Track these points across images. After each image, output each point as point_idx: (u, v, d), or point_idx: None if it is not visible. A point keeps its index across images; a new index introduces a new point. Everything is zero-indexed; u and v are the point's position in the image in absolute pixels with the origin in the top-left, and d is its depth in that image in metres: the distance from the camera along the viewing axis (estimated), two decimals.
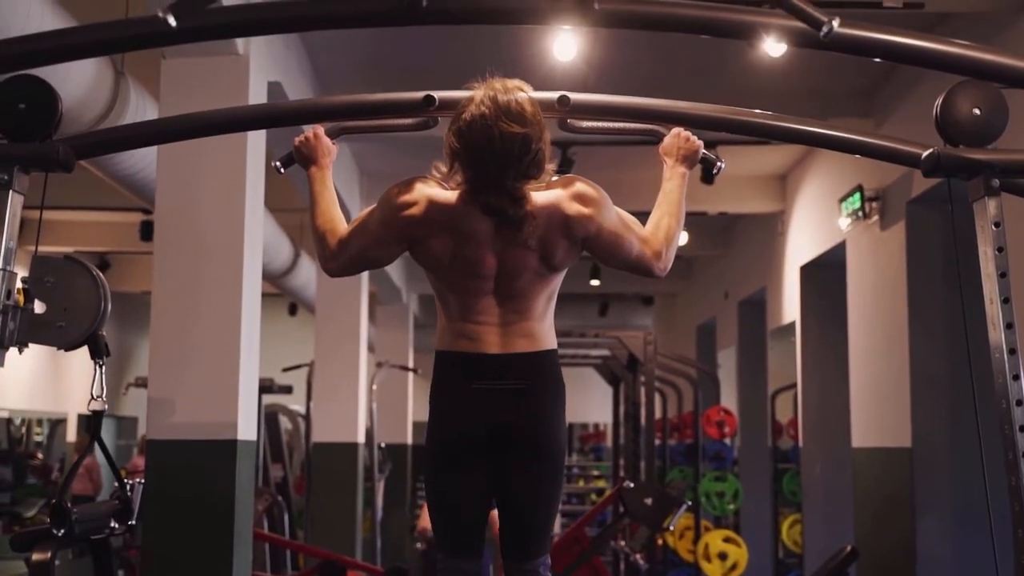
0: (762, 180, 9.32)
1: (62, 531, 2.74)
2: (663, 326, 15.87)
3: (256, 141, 4.71)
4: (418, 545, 11.51)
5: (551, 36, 5.48)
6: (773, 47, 5.32)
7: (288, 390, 9.50)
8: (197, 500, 4.43)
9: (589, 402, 17.44)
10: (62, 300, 2.73)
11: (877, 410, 7.06)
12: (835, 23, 2.22)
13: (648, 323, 16.35)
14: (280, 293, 11.51)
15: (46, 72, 2.61)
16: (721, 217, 10.47)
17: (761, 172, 9.22)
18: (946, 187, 2.58)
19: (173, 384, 4.48)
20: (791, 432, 9.48)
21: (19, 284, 2.60)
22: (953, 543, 6.22)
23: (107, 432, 15.15)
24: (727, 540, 8.43)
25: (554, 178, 2.76)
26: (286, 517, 8.23)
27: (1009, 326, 2.41)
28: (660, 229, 2.85)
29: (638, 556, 7.03)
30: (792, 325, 9.11)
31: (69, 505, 2.75)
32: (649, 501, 6.42)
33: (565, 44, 5.49)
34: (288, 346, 12.41)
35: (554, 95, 2.68)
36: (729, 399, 10.90)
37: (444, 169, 2.72)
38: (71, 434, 14.74)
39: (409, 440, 12.40)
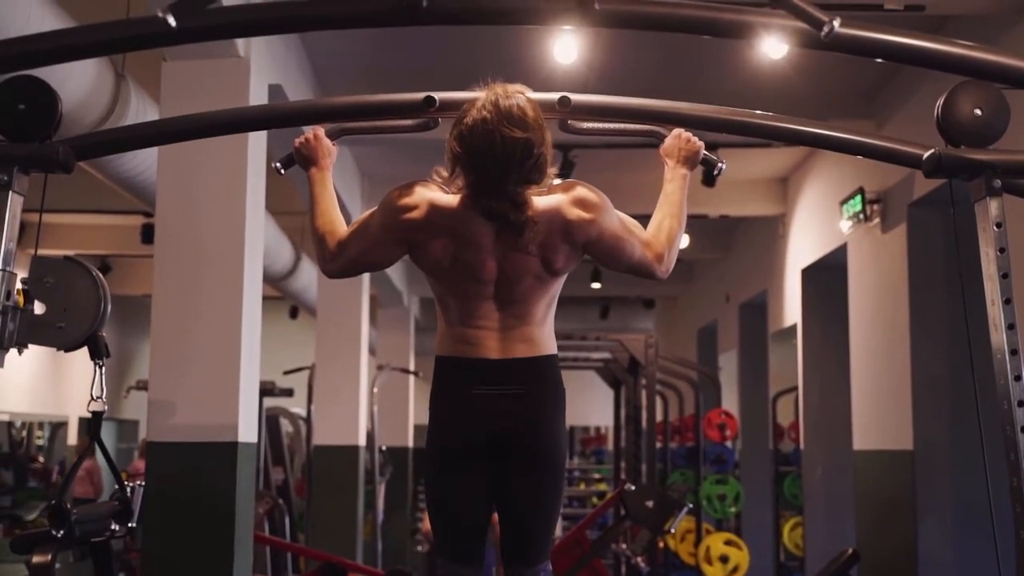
0: (763, 183, 9.32)
1: (61, 532, 2.73)
2: (664, 329, 15.86)
3: (257, 143, 4.71)
4: (419, 548, 11.55)
5: (552, 38, 5.48)
6: (774, 48, 5.34)
7: (289, 393, 9.49)
8: (198, 502, 4.43)
9: (590, 405, 17.43)
10: (62, 301, 2.72)
11: (878, 413, 7.05)
12: (836, 23, 2.22)
13: (649, 326, 16.34)
14: (281, 296, 11.51)
15: (46, 74, 2.60)
16: (722, 220, 10.46)
17: (762, 175, 9.22)
18: (947, 189, 2.57)
19: (174, 386, 4.48)
20: (792, 435, 9.48)
21: (19, 285, 2.59)
22: (955, 545, 6.22)
23: (108, 435, 15.16)
24: (728, 543, 8.43)
25: (555, 182, 2.75)
26: (287, 520, 8.22)
27: (1011, 327, 2.40)
28: (662, 231, 2.84)
29: (639, 559, 7.02)
30: (793, 328, 9.10)
31: (68, 506, 2.74)
32: (650, 504, 6.42)
33: (566, 46, 5.49)
34: (289, 349, 12.43)
35: (555, 96, 2.68)
36: (730, 402, 10.90)
37: (445, 173, 2.71)
38: (72, 437, 14.74)
39: (410, 443, 12.39)
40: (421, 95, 2.64)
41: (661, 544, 8.07)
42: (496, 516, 2.83)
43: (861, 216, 7.08)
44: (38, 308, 2.69)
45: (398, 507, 11.52)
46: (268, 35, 4.56)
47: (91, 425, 2.95)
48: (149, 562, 4.48)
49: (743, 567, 8.28)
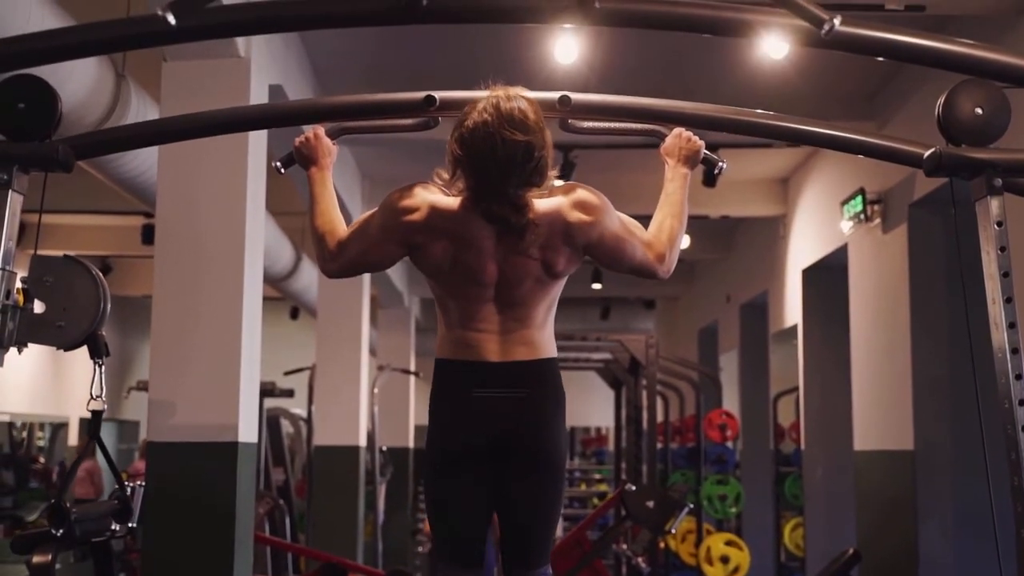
0: (764, 183, 9.32)
1: (61, 531, 2.72)
2: (665, 329, 15.86)
3: (257, 144, 4.71)
4: (419, 548, 11.55)
5: (553, 38, 5.47)
6: (775, 48, 5.34)
7: (290, 394, 9.49)
8: (198, 502, 4.42)
9: (591, 406, 17.42)
10: (61, 300, 2.72)
11: (879, 413, 7.05)
12: (836, 21, 2.21)
13: (650, 326, 16.33)
14: (282, 297, 11.50)
15: (47, 75, 2.60)
16: (723, 221, 10.46)
17: (763, 175, 9.22)
18: (948, 190, 2.57)
19: (174, 386, 4.48)
20: (793, 435, 9.48)
21: (19, 284, 2.59)
22: (955, 546, 6.21)
23: (108, 436, 15.16)
24: (729, 543, 8.43)
25: (557, 182, 2.75)
26: (288, 521, 8.21)
27: (1012, 326, 2.40)
28: (663, 231, 2.84)
29: (640, 559, 7.02)
30: (794, 328, 9.10)
31: (68, 505, 2.74)
32: (651, 504, 6.42)
33: (567, 46, 5.49)
34: (290, 350, 12.42)
35: (555, 95, 2.68)
36: (731, 402, 10.89)
37: (446, 176, 2.71)
38: (73, 438, 14.73)
39: (410, 444, 12.39)
40: (421, 94, 2.64)
41: (662, 544, 8.06)
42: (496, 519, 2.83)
43: (862, 216, 7.08)
44: (38, 307, 2.69)
45: (399, 507, 11.51)
46: (268, 34, 4.56)
47: (91, 424, 2.95)
48: (149, 562, 4.47)
49: (744, 567, 8.28)
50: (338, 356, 8.65)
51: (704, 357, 13.14)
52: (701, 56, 6.25)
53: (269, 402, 9.05)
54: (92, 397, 2.89)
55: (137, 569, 6.78)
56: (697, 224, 10.09)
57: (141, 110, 5.17)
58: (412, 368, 12.48)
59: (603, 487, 14.48)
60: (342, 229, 2.79)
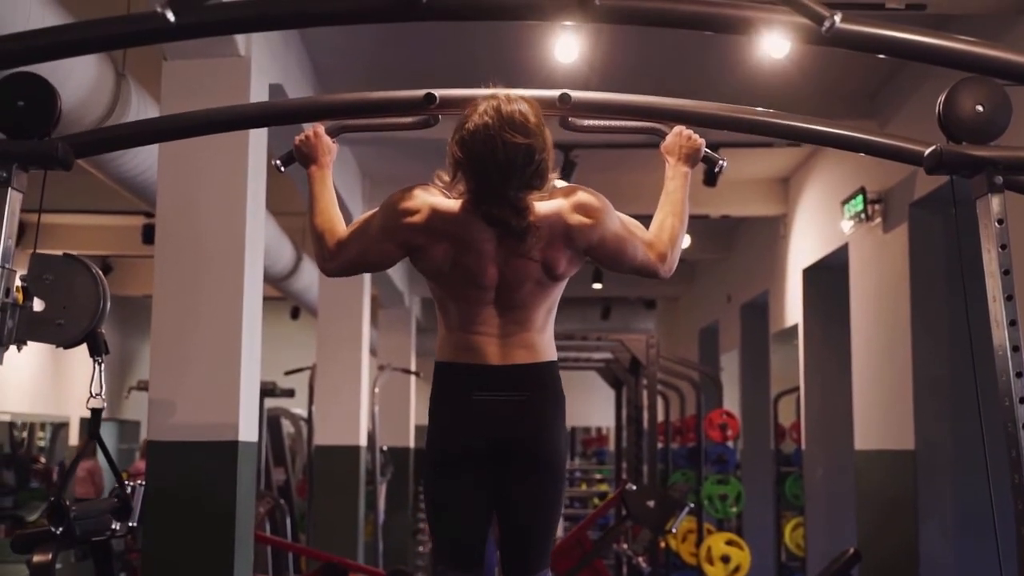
0: (764, 183, 9.32)
1: (60, 529, 2.72)
2: (665, 329, 15.86)
3: (257, 143, 4.71)
4: (420, 548, 11.54)
5: (553, 37, 5.47)
6: (775, 46, 5.34)
7: (290, 394, 9.49)
8: (198, 502, 4.42)
9: (591, 406, 17.41)
10: (61, 298, 2.72)
11: (880, 412, 7.04)
12: (837, 18, 2.21)
13: (650, 326, 16.33)
14: (282, 297, 11.50)
15: (46, 74, 2.60)
16: (723, 220, 10.46)
17: (763, 175, 9.21)
18: (949, 189, 2.57)
19: (174, 386, 4.48)
20: (794, 435, 9.47)
21: (18, 282, 2.59)
22: (956, 545, 6.21)
23: (109, 436, 15.15)
24: (729, 543, 8.42)
25: (559, 183, 2.75)
26: (288, 520, 8.21)
27: (1012, 323, 2.40)
28: (664, 230, 2.84)
29: (640, 559, 7.01)
30: (795, 328, 9.09)
31: (67, 503, 2.73)
32: (651, 504, 6.42)
33: (567, 45, 5.48)
34: (290, 350, 12.41)
35: (555, 93, 2.67)
36: (732, 402, 10.89)
37: (447, 178, 2.71)
38: (73, 438, 14.73)
39: (411, 443, 12.39)
40: (421, 92, 2.63)
41: (662, 544, 8.06)
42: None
43: (862, 216, 7.08)
44: (37, 305, 2.69)
45: (399, 507, 11.51)
46: (267, 31, 4.55)
47: (90, 423, 2.95)
48: (149, 560, 4.47)
49: (744, 567, 8.27)
50: (339, 356, 8.65)
51: (705, 357, 13.14)
52: (702, 56, 6.25)
53: (270, 402, 9.04)
54: (92, 395, 2.88)
55: (137, 569, 6.77)
56: (698, 224, 10.08)
57: (141, 109, 5.17)
58: (413, 368, 12.47)
59: (604, 487, 14.47)
60: (341, 228, 2.79)
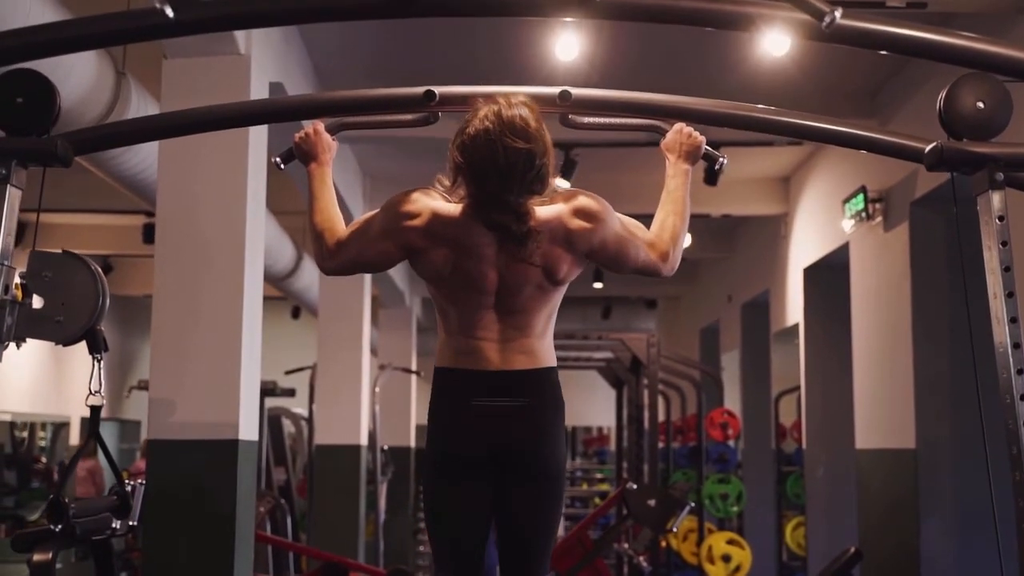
0: (765, 182, 9.31)
1: (59, 527, 2.72)
2: (666, 329, 15.85)
3: (257, 142, 4.71)
4: (421, 547, 11.54)
5: (553, 35, 5.46)
6: (776, 44, 5.33)
7: (291, 393, 9.50)
8: (198, 500, 4.42)
9: (592, 405, 17.41)
10: (60, 295, 2.72)
11: (881, 412, 7.04)
12: (837, 13, 2.21)
13: (651, 326, 16.32)
14: (283, 296, 11.50)
15: (46, 73, 2.60)
16: (724, 220, 10.46)
17: (764, 174, 9.21)
18: (949, 188, 2.56)
19: (174, 384, 4.48)
20: (795, 434, 9.47)
21: (17, 279, 2.58)
22: (957, 544, 6.20)
23: (110, 436, 15.15)
24: (730, 542, 8.41)
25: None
26: (289, 520, 8.21)
27: (1013, 321, 2.39)
28: (665, 229, 2.85)
29: (641, 558, 7.01)
30: (796, 327, 9.09)
31: (66, 501, 2.73)
32: (652, 503, 6.42)
33: (567, 43, 5.47)
34: (291, 349, 12.41)
35: (555, 90, 2.67)
36: (732, 401, 10.89)
37: (447, 182, 2.71)
38: (74, 437, 14.73)
39: (412, 443, 12.39)
40: (421, 89, 2.63)
41: (663, 543, 8.06)
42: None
43: (863, 215, 7.07)
44: (36, 302, 2.69)
45: (400, 507, 11.51)
46: (265, 27, 4.55)
47: (90, 421, 2.94)
48: (150, 559, 4.47)
49: (745, 567, 8.27)
50: (339, 355, 8.65)
51: (706, 356, 13.13)
52: (702, 55, 6.24)
53: (270, 401, 9.04)
54: (91, 392, 2.88)
55: (138, 568, 6.78)
56: (698, 223, 10.08)
57: (141, 108, 5.16)
58: (413, 367, 12.47)
59: (605, 487, 14.47)
60: (341, 227, 2.79)
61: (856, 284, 7.56)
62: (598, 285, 12.73)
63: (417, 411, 12.74)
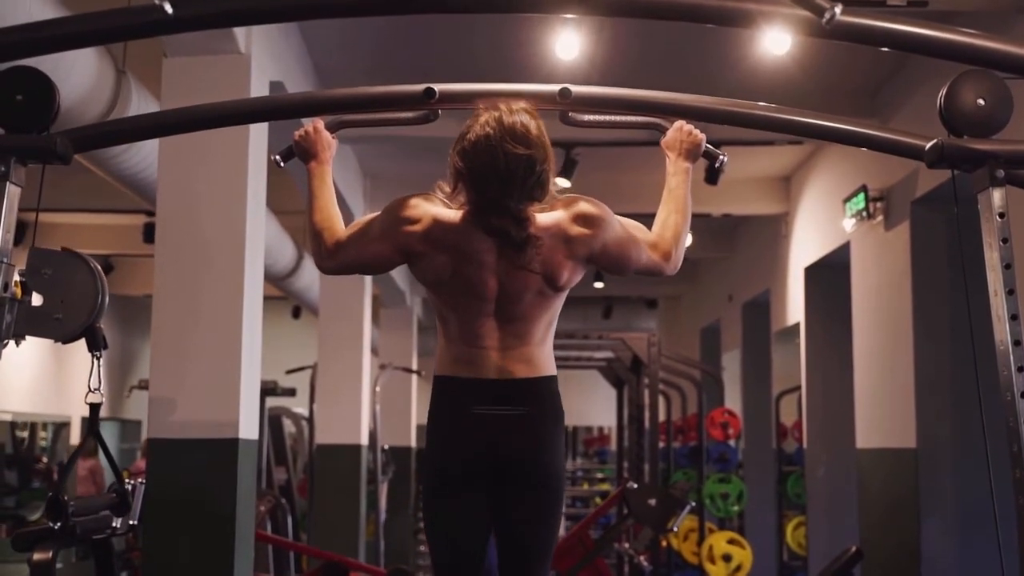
0: (766, 182, 9.31)
1: (59, 524, 2.72)
2: (667, 328, 15.85)
3: (258, 141, 4.71)
4: (421, 547, 11.53)
5: (554, 34, 5.46)
6: (777, 43, 5.33)
7: (291, 393, 9.50)
8: (198, 499, 4.42)
9: (593, 405, 17.40)
10: (59, 292, 2.71)
11: (881, 411, 7.03)
12: (837, 9, 2.20)
13: (652, 325, 16.31)
14: (283, 296, 11.50)
15: (46, 71, 2.59)
16: (725, 219, 10.46)
17: (765, 174, 9.20)
18: (950, 187, 2.56)
19: (174, 383, 4.48)
20: (795, 434, 9.46)
21: (16, 277, 2.58)
22: (958, 543, 6.20)
23: (111, 436, 15.15)
24: (731, 542, 8.41)
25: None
26: (290, 520, 8.21)
27: (1014, 318, 2.39)
28: (667, 228, 2.85)
29: (642, 558, 7.01)
30: (796, 327, 9.09)
31: (65, 499, 2.73)
32: (653, 502, 6.42)
33: (568, 41, 5.47)
34: (291, 349, 12.41)
35: (555, 87, 2.66)
36: (733, 401, 10.89)
37: (448, 189, 2.71)
38: (75, 437, 14.73)
39: (412, 443, 12.39)
40: (421, 87, 2.62)
41: (664, 543, 8.06)
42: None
43: (864, 214, 7.07)
44: (36, 300, 2.68)
45: (400, 507, 11.51)
46: (264, 24, 4.54)
47: (89, 418, 2.94)
48: (150, 558, 4.47)
49: (746, 566, 8.27)
50: (340, 355, 8.65)
51: (706, 356, 13.13)
52: (703, 54, 6.25)
53: (271, 401, 9.04)
54: (90, 390, 2.88)
55: (138, 567, 6.77)
56: (699, 223, 10.08)
57: (142, 107, 5.16)
58: (414, 367, 12.47)
59: (605, 486, 14.47)
60: (340, 227, 2.80)
61: (857, 283, 7.56)
62: (599, 285, 12.74)
63: (418, 411, 12.74)
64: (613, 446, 15.10)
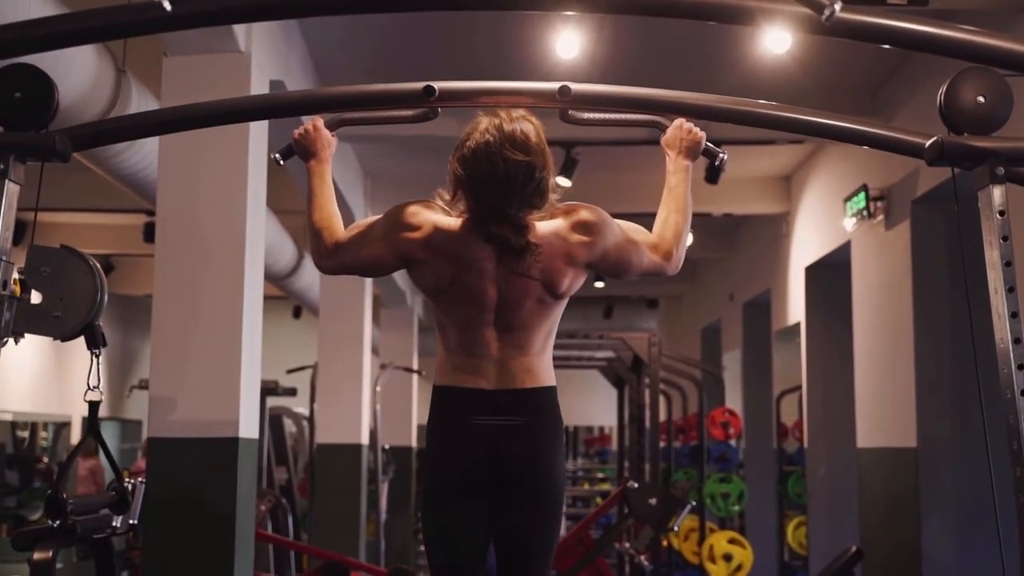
0: (766, 181, 9.31)
1: (58, 522, 2.71)
2: (668, 328, 15.85)
3: (258, 141, 4.70)
4: (421, 547, 11.52)
5: (554, 32, 5.46)
6: (777, 41, 5.33)
7: (292, 392, 9.50)
8: (199, 498, 4.42)
9: (594, 405, 17.41)
10: (58, 290, 2.71)
11: (882, 410, 7.03)
12: (837, 6, 2.19)
13: (653, 325, 16.32)
14: (284, 296, 11.50)
15: (46, 70, 2.59)
16: (726, 219, 10.46)
17: (765, 173, 9.20)
18: (950, 186, 2.55)
19: (174, 382, 4.47)
20: (796, 433, 9.46)
21: (16, 275, 2.58)
22: (958, 542, 6.20)
23: (111, 436, 15.15)
24: (732, 541, 8.41)
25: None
26: (290, 519, 8.21)
27: (1014, 315, 2.38)
28: (668, 227, 2.85)
29: (642, 557, 7.01)
30: (797, 326, 9.08)
31: (64, 497, 2.73)
32: (653, 502, 6.42)
33: (568, 40, 5.47)
34: (292, 349, 12.42)
35: (555, 85, 2.65)
36: (734, 401, 10.88)
37: (447, 196, 2.72)
38: (75, 437, 14.73)
39: (413, 442, 12.39)
40: (420, 85, 2.61)
41: (664, 542, 8.06)
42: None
43: (865, 213, 7.06)
44: (35, 297, 2.69)
45: (401, 506, 11.51)
46: (263, 21, 4.53)
47: (88, 417, 2.94)
48: (150, 557, 4.47)
49: (747, 566, 8.27)
50: (340, 355, 8.65)
51: (707, 356, 13.13)
52: (703, 53, 6.24)
53: (271, 401, 9.04)
54: (89, 388, 2.88)
55: (139, 567, 6.77)
56: (700, 222, 10.07)
57: (142, 106, 5.16)
58: (415, 367, 12.47)
59: (606, 486, 14.47)
60: (339, 227, 2.80)
61: (857, 283, 7.55)
62: (599, 285, 12.74)
63: (418, 411, 12.73)
64: (614, 446, 15.11)
